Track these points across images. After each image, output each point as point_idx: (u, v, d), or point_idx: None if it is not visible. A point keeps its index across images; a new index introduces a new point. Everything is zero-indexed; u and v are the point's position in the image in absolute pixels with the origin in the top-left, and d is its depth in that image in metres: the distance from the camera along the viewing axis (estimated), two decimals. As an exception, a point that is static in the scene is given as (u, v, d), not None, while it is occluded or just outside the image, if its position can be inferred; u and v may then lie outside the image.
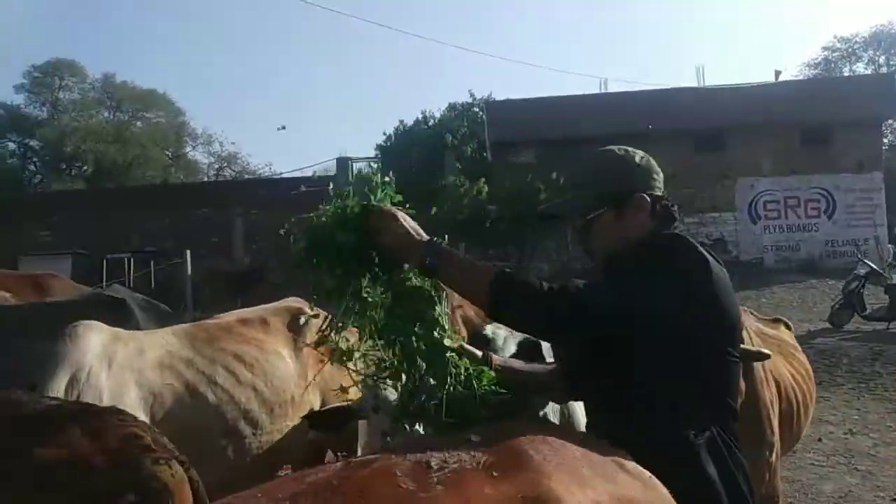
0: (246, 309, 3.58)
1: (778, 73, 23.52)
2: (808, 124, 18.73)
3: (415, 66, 72.65)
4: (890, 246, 14.37)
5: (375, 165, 22.35)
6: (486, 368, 1.63)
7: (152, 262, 17.56)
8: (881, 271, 11.44)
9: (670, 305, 1.54)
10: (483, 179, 18.46)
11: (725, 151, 19.19)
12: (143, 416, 2.37)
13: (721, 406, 1.61)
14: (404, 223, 1.66)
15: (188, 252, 13.66)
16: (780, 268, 18.45)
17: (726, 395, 1.63)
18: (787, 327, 3.71)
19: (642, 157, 1.84)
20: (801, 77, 32.07)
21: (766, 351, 2.21)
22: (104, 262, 17.94)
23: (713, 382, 1.61)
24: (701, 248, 1.67)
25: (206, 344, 2.90)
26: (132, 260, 17.76)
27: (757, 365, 2.33)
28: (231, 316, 3.31)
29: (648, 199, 1.75)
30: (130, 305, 3.48)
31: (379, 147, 25.23)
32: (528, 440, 1.24)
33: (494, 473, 1.12)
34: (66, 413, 1.71)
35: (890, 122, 27.67)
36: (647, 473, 1.29)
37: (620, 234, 1.75)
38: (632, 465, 1.30)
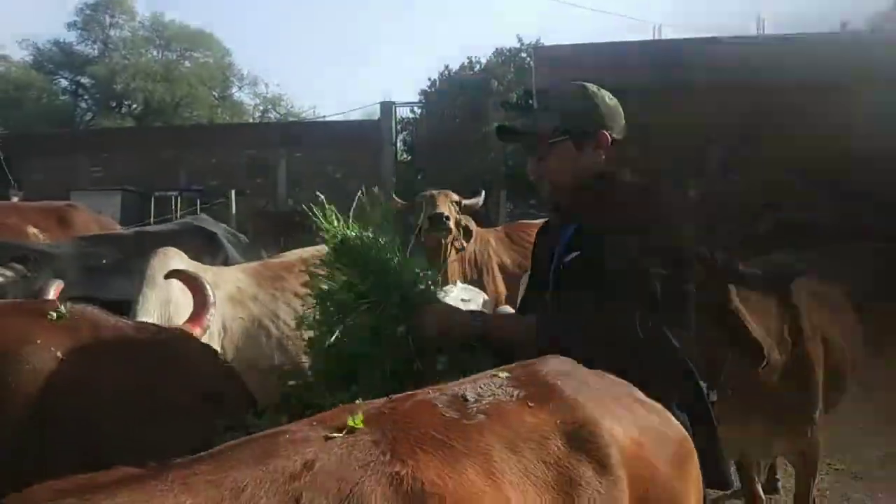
0: (307, 248, 3.64)
1: (844, 25, 22.27)
2: (875, 83, 17.77)
3: (462, 8, 71.04)
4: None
5: (419, 110, 22.14)
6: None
7: (198, 201, 17.91)
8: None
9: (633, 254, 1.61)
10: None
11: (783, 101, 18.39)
12: (216, 346, 2.46)
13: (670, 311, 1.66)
14: (448, 315, 1.74)
15: (233, 192, 13.88)
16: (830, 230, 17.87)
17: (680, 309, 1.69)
18: (846, 289, 3.58)
19: (611, 98, 1.90)
20: (871, 28, 30.35)
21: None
22: (152, 199, 18.40)
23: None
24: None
25: (270, 282, 3.01)
26: (179, 198, 18.17)
27: (805, 323, 2.28)
28: (293, 255, 3.43)
29: (610, 138, 1.83)
30: (220, 237, 3.68)
31: (423, 92, 24.93)
32: (554, 375, 1.31)
33: (530, 404, 1.20)
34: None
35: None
36: (658, 405, 1.39)
37: (575, 165, 1.83)
38: (643, 396, 1.39)
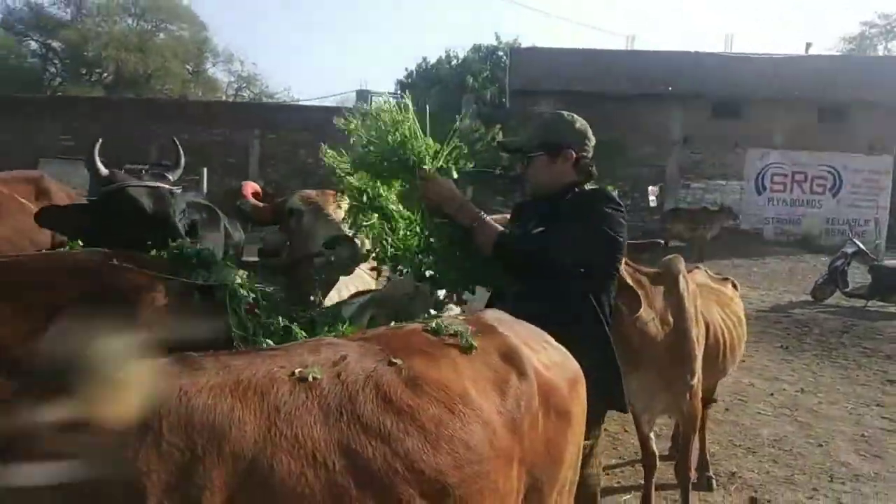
0: None
1: (808, 46, 23.36)
2: (827, 101, 18.79)
3: (443, 1, 71.01)
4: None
5: (402, 99, 22.46)
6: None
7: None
8: (867, 251, 11.86)
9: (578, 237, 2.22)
10: (499, 126, 18.69)
11: (741, 120, 19.31)
12: None
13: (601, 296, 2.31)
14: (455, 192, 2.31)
15: (205, 170, 14.06)
16: (778, 240, 18.86)
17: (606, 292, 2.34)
18: (734, 286, 4.25)
19: (581, 124, 2.44)
20: (834, 51, 31.66)
21: None
22: (122, 171, 18.36)
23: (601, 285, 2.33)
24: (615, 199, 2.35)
25: None
26: (149, 172, 18.18)
27: (689, 307, 2.88)
28: None
29: (574, 155, 2.38)
30: (217, 210, 4.06)
31: (400, 83, 25.32)
32: (492, 319, 1.91)
33: (479, 335, 1.77)
34: None
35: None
36: (560, 346, 1.98)
37: (549, 176, 2.40)
38: (552, 339, 1.98)
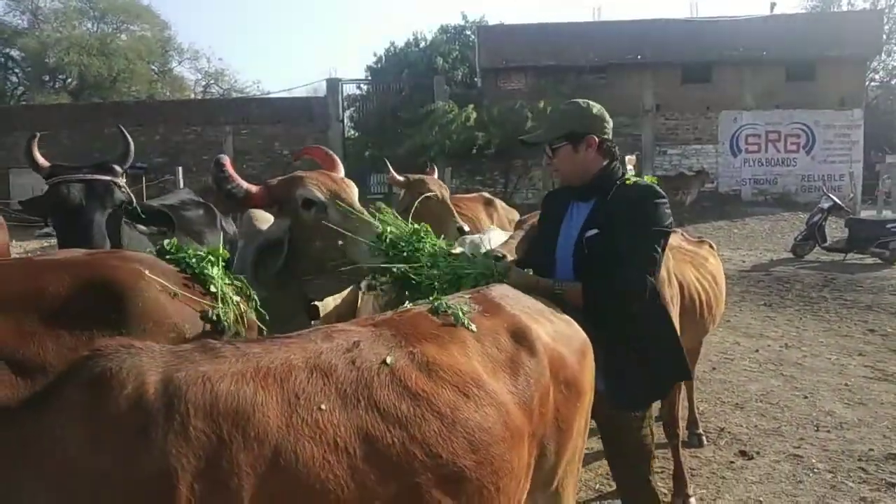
0: None
1: (773, 6, 23.45)
2: (795, 59, 18.93)
3: (407, -16, 70.20)
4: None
5: (365, 87, 22.32)
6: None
7: (143, 178, 17.80)
8: (843, 205, 12.05)
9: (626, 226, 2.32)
10: (472, 106, 18.61)
11: (711, 84, 19.42)
12: None
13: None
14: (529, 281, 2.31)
15: (179, 169, 13.93)
16: (756, 200, 19.08)
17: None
18: (711, 247, 4.32)
19: (598, 109, 2.51)
20: (799, 10, 31.81)
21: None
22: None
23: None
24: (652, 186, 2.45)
25: None
26: (123, 175, 17.97)
27: (661, 268, 2.96)
28: None
29: (597, 140, 2.45)
30: (213, 207, 4.07)
31: (369, 69, 25.08)
32: (499, 297, 1.95)
33: (486, 314, 1.81)
34: None
35: (883, 59, 27.87)
36: (568, 317, 2.04)
37: (575, 164, 2.48)
38: (560, 312, 2.04)
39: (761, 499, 3.58)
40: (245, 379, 1.28)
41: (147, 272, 1.94)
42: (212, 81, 36.89)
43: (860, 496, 3.58)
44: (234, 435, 1.21)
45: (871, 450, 4.11)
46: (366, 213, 2.45)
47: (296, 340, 1.48)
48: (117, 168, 3.18)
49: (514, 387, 1.67)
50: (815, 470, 3.89)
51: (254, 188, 2.51)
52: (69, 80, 32.93)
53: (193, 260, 2.13)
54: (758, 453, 4.10)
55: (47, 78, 33.11)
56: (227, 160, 2.52)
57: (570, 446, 1.90)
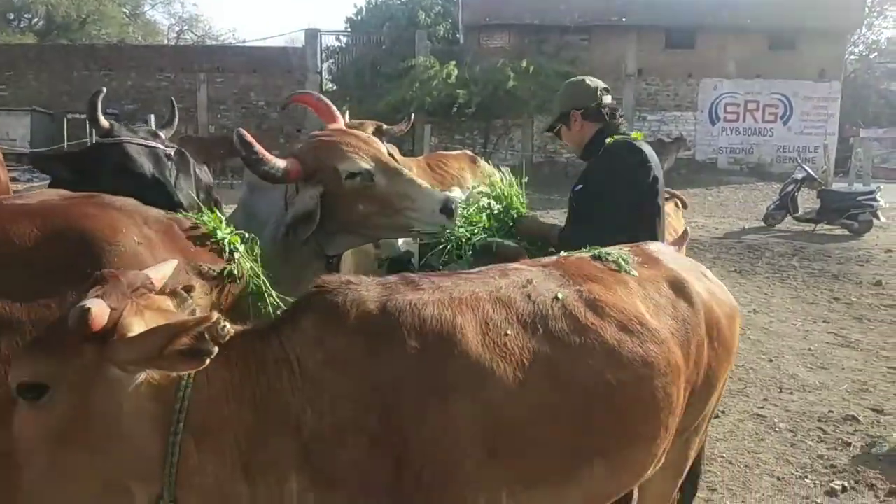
0: None
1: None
2: (777, 29, 18.89)
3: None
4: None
5: (345, 39, 21.81)
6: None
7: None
8: (816, 177, 12.22)
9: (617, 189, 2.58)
10: (454, 63, 18.31)
11: (694, 51, 19.34)
12: None
13: (648, 235, 2.45)
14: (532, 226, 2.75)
15: (152, 116, 13.56)
16: (731, 169, 19.26)
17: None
18: (678, 205, 4.46)
19: (588, 81, 2.81)
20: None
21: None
22: (65, 121, 17.63)
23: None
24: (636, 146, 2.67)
25: None
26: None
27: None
28: None
29: (579, 112, 2.74)
30: (186, 154, 3.95)
31: (349, 20, 24.48)
32: (656, 252, 2.03)
33: (645, 265, 1.90)
34: None
35: (864, 32, 27.95)
36: (717, 279, 2.12)
37: (572, 139, 2.84)
38: (709, 272, 2.11)
39: (724, 454, 3.71)
40: (444, 305, 1.47)
41: (126, 220, 1.84)
42: (186, 27, 35.86)
43: (818, 454, 3.72)
44: (442, 351, 1.41)
45: (831, 411, 4.25)
46: (415, 176, 2.40)
47: (477, 276, 1.65)
48: (163, 135, 3.06)
49: (675, 329, 1.76)
50: (777, 429, 4.02)
51: (290, 166, 2.24)
52: (35, 19, 31.69)
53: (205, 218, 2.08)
54: (723, 412, 4.22)
55: (12, 17, 31.81)
56: (249, 137, 2.21)
57: (711, 403, 2.01)
